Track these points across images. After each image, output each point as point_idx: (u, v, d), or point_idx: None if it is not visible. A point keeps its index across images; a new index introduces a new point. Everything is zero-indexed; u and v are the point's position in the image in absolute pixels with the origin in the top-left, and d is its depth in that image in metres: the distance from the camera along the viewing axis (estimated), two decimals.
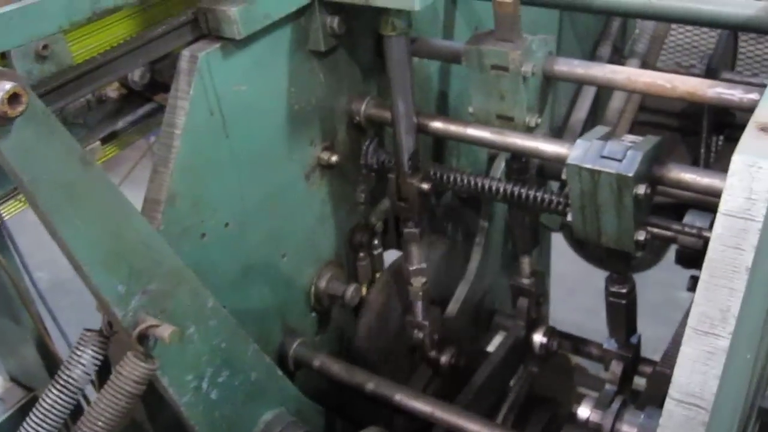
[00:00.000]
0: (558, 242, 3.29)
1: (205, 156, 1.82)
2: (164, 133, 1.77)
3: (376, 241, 2.48)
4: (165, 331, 1.55)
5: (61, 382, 1.59)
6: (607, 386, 2.24)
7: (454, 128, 2.10)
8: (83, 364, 1.60)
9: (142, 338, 1.57)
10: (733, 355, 1.24)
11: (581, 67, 2.01)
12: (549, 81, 2.05)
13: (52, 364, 2.04)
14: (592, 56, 3.17)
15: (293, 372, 2.22)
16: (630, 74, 1.95)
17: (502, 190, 2.11)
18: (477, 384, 2.39)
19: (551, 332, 2.56)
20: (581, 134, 2.82)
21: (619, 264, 2.03)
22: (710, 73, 2.80)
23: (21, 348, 2.10)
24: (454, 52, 2.09)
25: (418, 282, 2.32)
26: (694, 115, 2.99)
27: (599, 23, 3.31)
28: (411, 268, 2.31)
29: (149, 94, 1.95)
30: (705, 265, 1.24)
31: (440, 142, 2.52)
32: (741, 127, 1.34)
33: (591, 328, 2.92)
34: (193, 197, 1.82)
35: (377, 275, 2.51)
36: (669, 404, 1.23)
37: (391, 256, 2.53)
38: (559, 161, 1.90)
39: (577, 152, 1.80)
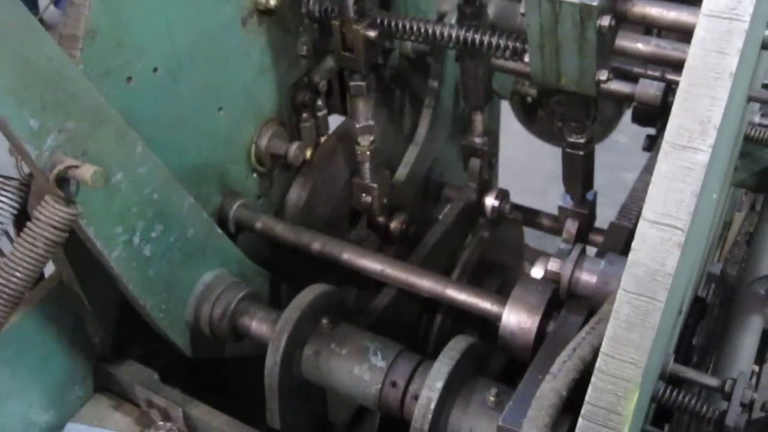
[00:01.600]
0: (504, 126, 3.18)
1: None
2: None
3: (320, 102, 2.33)
4: (86, 172, 1.39)
5: None
6: (562, 245, 2.17)
7: None
8: None
9: (62, 181, 1.41)
10: (711, 171, 1.14)
11: None
12: None
13: None
14: None
15: (235, 235, 2.09)
16: None
17: (455, 36, 1.96)
18: (428, 246, 2.29)
19: (503, 195, 2.46)
20: None
21: (579, 111, 1.91)
22: None
23: None
24: None
25: (365, 140, 2.19)
26: None
27: None
28: (358, 125, 2.17)
29: None
30: (684, 73, 1.13)
31: None
32: None
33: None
34: (116, 35, 1.64)
35: (322, 139, 2.37)
36: (642, 226, 1.14)
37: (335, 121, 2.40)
38: None
39: None
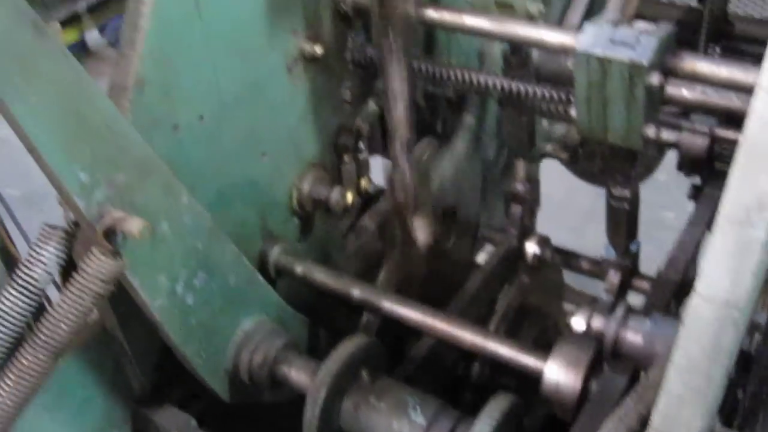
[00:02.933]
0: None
1: (176, 39, 1.65)
2: (131, 11, 1.59)
3: (361, 145, 2.33)
4: (134, 225, 1.39)
5: (20, 281, 1.44)
6: (604, 296, 2.14)
7: (449, 17, 1.92)
8: (44, 263, 1.45)
9: (109, 233, 1.41)
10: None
11: None
12: None
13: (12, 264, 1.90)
14: None
15: (274, 280, 2.09)
16: None
17: (500, 85, 1.96)
18: (468, 294, 2.27)
19: (544, 241, 2.43)
20: None
21: (624, 164, 1.89)
22: None
23: None
24: None
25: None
26: (692, 24, 2.83)
27: None
28: None
29: None
30: (741, 146, 1.11)
31: (431, 36, 2.34)
32: (739, 38, 1.20)
33: (577, 248, 2.81)
34: (164, 85, 1.65)
35: (362, 181, 2.37)
36: (696, 303, 1.11)
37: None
38: (564, 51, 1.74)
39: (585, 38, 1.64)
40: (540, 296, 2.55)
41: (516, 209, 2.39)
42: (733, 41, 2.87)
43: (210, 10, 1.69)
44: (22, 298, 1.44)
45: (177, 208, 1.60)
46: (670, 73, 1.67)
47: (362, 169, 2.37)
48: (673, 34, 1.65)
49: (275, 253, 2.06)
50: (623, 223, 2.02)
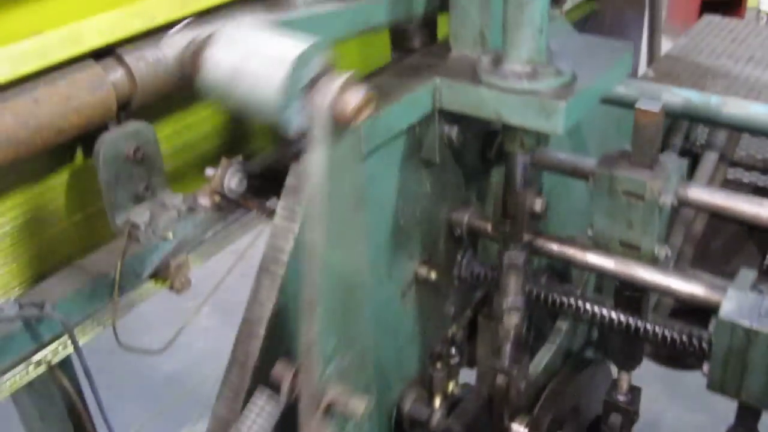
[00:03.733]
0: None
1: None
2: (269, 257, 1.56)
3: (453, 351, 2.27)
4: (358, 405, 1.39)
5: None
6: None
7: (572, 252, 1.90)
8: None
9: (328, 408, 1.41)
10: None
11: (718, 197, 1.82)
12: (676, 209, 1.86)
13: None
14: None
15: None
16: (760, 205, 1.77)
17: (617, 320, 1.92)
18: None
19: None
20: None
21: (751, 420, 1.83)
22: None
23: None
24: (578, 168, 1.90)
25: (511, 320, 2.01)
26: None
27: None
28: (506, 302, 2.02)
29: (244, 202, 1.75)
30: None
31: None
32: None
33: None
34: None
35: (450, 385, 2.31)
36: None
37: None
38: (699, 304, 1.71)
39: (731, 306, 1.60)
40: None
41: (615, 419, 2.31)
42: None
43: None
44: None
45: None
46: None
47: (453, 374, 2.32)
48: None
49: None
50: None
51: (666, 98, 2.18)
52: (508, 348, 2.04)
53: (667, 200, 1.76)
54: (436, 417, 2.06)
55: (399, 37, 2.03)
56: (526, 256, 1.92)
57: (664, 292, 1.81)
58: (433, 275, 1.95)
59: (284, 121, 1.28)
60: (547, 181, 2.07)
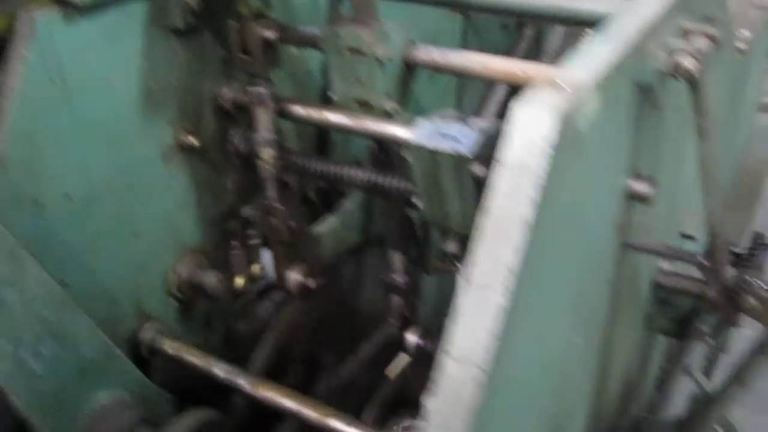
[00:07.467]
0: None
1: (41, 122, 1.78)
2: None
3: (251, 232, 2.43)
4: None
5: None
6: None
7: (313, 113, 2.08)
8: None
9: None
10: (520, 316, 1.21)
11: (439, 55, 2.00)
12: (411, 69, 2.04)
13: None
14: None
15: (148, 359, 2.16)
16: (486, 62, 1.95)
17: (359, 178, 2.09)
18: (342, 379, 2.33)
19: (427, 332, 2.50)
20: None
21: None
22: None
23: None
24: (319, 38, 2.08)
25: (267, 155, 2.12)
26: None
27: (506, 38, 3.35)
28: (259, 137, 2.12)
29: None
30: (486, 220, 1.22)
31: (322, 134, 2.49)
32: None
33: None
34: (26, 163, 1.77)
35: (253, 267, 2.47)
36: (445, 362, 1.21)
37: None
38: (407, 145, 1.88)
39: (418, 132, 1.78)
40: (422, 388, 2.59)
41: (396, 300, 2.48)
42: None
43: (81, 101, 1.83)
44: None
45: (23, 277, 1.69)
46: None
47: (253, 255, 2.48)
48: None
49: (147, 333, 2.13)
50: None
51: None
52: (269, 186, 2.14)
53: (384, 54, 1.93)
54: (211, 280, 2.22)
55: None
56: (271, 91, 2.07)
57: (389, 139, 1.98)
58: (195, 142, 2.12)
59: None
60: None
